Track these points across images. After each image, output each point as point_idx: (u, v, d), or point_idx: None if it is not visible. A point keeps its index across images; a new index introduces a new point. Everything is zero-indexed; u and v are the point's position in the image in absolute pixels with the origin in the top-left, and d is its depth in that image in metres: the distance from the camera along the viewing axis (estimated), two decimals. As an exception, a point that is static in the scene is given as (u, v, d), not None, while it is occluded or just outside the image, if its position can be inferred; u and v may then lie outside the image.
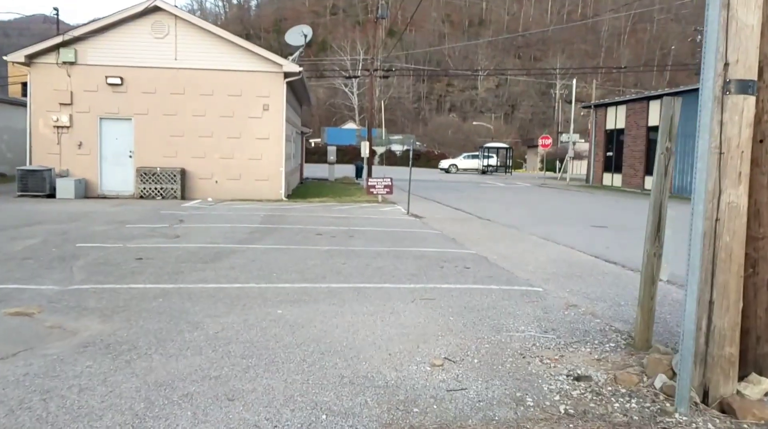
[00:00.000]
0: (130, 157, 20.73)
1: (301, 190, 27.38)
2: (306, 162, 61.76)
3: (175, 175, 20.42)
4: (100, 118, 20.41)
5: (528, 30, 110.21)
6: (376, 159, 70.02)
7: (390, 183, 20.81)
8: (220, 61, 20.88)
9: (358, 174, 38.58)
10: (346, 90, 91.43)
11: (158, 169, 20.39)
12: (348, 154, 65.76)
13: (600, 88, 73.97)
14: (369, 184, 20.99)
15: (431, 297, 7.18)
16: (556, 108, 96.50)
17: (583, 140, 53.33)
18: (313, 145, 75.35)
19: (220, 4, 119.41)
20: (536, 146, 77.00)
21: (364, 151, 28.99)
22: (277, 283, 7.71)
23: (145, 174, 20.37)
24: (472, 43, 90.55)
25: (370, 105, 37.51)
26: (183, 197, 20.54)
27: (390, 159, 72.67)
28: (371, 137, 37.05)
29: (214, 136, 21.00)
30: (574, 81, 44.13)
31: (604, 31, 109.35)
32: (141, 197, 20.28)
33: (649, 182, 31.00)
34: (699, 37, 47.98)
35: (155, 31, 20.45)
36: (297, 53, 21.81)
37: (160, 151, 20.76)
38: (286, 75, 21.16)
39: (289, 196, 23.30)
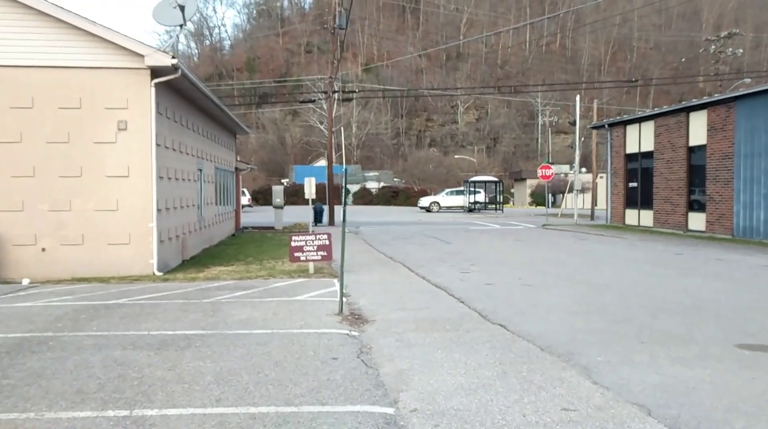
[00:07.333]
0: None
1: (218, 248, 18.25)
2: (268, 205, 52.56)
3: (-39, 243, 11.39)
4: None
5: (507, 62, 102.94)
6: (350, 198, 61.09)
7: (327, 242, 11.84)
8: (42, 53, 12.06)
9: (317, 219, 29.63)
10: (322, 127, 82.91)
11: (-68, 232, 11.35)
12: (320, 193, 56.90)
13: (584, 116, 65.71)
14: (294, 245, 11.96)
15: None
16: (540, 139, 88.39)
17: (572, 171, 44.56)
18: (286, 184, 66.73)
19: (192, 44, 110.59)
20: (524, 179, 68.56)
21: (309, 191, 19.90)
22: None
23: None
24: (448, 49, 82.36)
25: (330, 132, 28.72)
26: (-20, 278, 11.50)
27: (365, 197, 63.78)
28: (332, 172, 28.31)
29: (37, 174, 12.09)
30: (578, 98, 35.54)
31: (584, 62, 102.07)
32: None
33: (694, 220, 21.96)
34: (712, 47, 40.00)
35: (-73, 2, 11.62)
36: (173, 39, 12.83)
37: (-54, 202, 11.80)
38: (155, 73, 12.32)
39: (183, 264, 14.23)
